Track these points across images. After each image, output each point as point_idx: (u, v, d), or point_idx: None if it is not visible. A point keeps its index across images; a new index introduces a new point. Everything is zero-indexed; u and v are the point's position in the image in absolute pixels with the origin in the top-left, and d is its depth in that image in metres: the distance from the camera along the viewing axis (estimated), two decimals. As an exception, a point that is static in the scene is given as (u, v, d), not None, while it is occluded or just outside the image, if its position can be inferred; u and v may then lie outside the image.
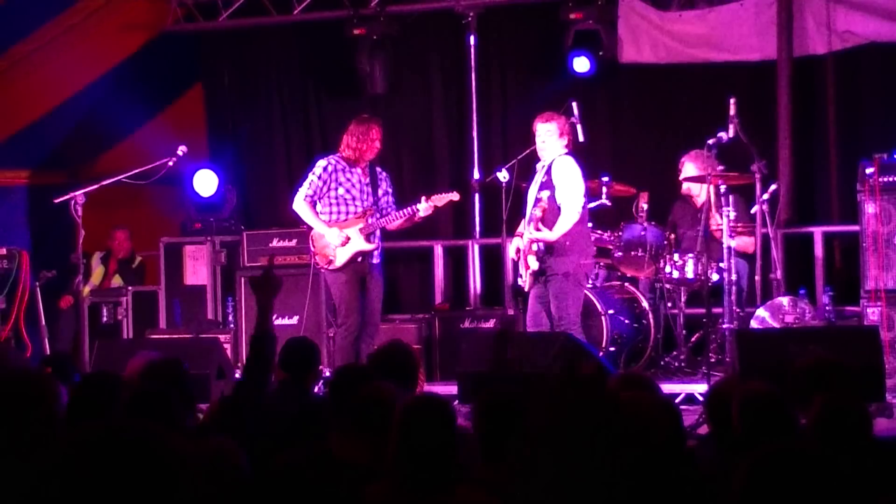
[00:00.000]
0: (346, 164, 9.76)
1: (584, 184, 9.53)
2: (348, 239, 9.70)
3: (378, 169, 9.93)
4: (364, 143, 9.73)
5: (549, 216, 9.38)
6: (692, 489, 4.45)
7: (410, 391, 6.24)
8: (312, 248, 9.86)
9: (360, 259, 9.71)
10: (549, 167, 9.47)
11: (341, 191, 9.74)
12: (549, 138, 9.49)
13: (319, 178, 9.76)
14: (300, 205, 9.83)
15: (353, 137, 9.76)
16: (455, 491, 4.12)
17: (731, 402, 4.84)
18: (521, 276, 9.57)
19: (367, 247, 9.70)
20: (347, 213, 9.76)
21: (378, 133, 9.78)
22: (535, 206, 9.41)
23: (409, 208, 9.73)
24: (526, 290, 9.52)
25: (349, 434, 4.86)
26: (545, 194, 9.39)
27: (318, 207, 9.81)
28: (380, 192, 9.87)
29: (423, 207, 9.67)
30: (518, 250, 9.53)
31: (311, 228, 9.87)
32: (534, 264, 9.36)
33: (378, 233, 9.80)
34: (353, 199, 9.76)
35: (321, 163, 9.84)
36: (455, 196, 9.82)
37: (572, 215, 9.38)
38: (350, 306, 9.64)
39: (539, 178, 9.52)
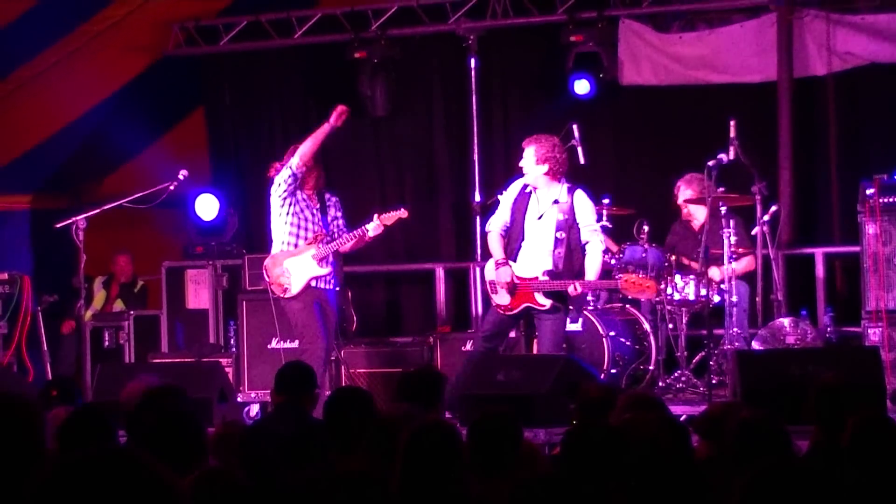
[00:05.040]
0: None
1: None
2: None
3: (327, 196, 9.96)
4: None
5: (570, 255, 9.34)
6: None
7: (434, 414, 6.27)
8: (267, 279, 9.84)
9: (314, 283, 9.71)
10: (571, 202, 9.31)
11: (294, 219, 9.73)
12: (527, 163, 9.42)
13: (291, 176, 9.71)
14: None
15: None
16: None
17: (722, 424, 4.85)
18: (499, 301, 9.45)
19: (321, 271, 9.71)
20: (297, 238, 9.75)
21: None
22: (558, 247, 9.30)
23: (358, 229, 9.77)
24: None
25: (349, 453, 4.88)
26: (562, 234, 9.33)
27: (276, 231, 9.81)
28: (329, 217, 9.91)
29: (372, 227, 9.68)
30: (513, 282, 9.37)
31: (266, 257, 9.85)
32: (545, 301, 9.31)
33: (331, 258, 9.78)
34: (304, 228, 9.76)
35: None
36: (403, 213, 9.79)
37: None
38: (312, 331, 9.60)
39: (552, 213, 9.35)
